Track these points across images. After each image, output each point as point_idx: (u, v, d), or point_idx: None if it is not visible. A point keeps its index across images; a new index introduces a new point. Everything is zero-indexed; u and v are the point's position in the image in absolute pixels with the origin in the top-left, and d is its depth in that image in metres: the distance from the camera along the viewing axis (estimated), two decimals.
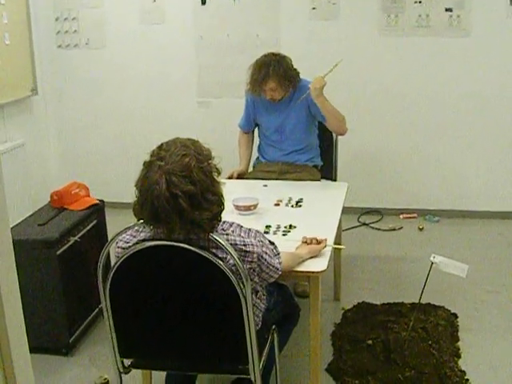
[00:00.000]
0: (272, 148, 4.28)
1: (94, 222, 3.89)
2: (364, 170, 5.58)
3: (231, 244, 2.28)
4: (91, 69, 5.81)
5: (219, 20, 5.51)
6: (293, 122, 4.15)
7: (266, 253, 2.42)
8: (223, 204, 2.31)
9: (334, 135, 4.34)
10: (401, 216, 5.56)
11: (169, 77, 5.71)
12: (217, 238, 2.24)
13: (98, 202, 3.96)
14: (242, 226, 2.42)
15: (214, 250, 2.25)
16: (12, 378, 1.26)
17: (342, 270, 4.17)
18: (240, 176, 4.25)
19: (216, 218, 2.28)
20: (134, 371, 2.71)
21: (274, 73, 3.96)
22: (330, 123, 4.06)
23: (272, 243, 2.56)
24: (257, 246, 2.36)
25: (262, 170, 4.29)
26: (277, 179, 4.13)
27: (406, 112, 5.45)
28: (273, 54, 4.09)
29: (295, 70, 4.08)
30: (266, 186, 3.97)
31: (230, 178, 4.20)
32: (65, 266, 3.51)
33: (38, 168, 5.72)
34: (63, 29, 5.73)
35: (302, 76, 4.11)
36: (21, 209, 4.78)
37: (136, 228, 2.40)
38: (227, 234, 2.33)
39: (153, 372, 3.18)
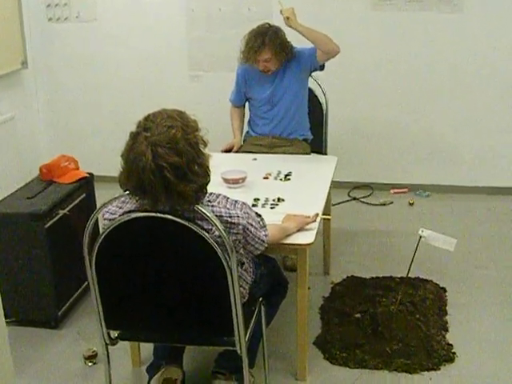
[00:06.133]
0: (262, 120, 4.25)
1: (83, 195, 3.88)
2: (355, 145, 5.56)
3: (216, 215, 2.28)
4: (82, 42, 5.74)
5: None
6: (283, 89, 4.12)
7: (252, 225, 2.42)
8: (209, 176, 2.30)
9: (324, 109, 4.31)
10: (391, 191, 5.55)
11: (160, 50, 5.66)
12: (202, 210, 2.24)
13: (87, 175, 3.94)
14: (228, 198, 2.42)
15: (199, 222, 2.25)
16: None
17: (332, 244, 4.18)
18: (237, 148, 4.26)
19: (202, 189, 2.27)
20: (123, 344, 2.73)
21: (271, 42, 3.93)
22: (320, 47, 3.92)
23: (259, 215, 2.56)
24: (242, 217, 2.36)
25: (252, 143, 4.27)
26: (267, 153, 4.12)
27: (397, 87, 5.42)
28: (269, 25, 4.06)
29: (289, 42, 4.06)
30: (255, 159, 3.97)
31: (229, 150, 4.19)
32: (53, 239, 3.51)
33: (27, 141, 5.68)
34: (53, 2, 5.66)
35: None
36: (10, 182, 4.75)
37: (122, 199, 2.39)
38: (213, 206, 2.33)
39: (141, 344, 3.21)
